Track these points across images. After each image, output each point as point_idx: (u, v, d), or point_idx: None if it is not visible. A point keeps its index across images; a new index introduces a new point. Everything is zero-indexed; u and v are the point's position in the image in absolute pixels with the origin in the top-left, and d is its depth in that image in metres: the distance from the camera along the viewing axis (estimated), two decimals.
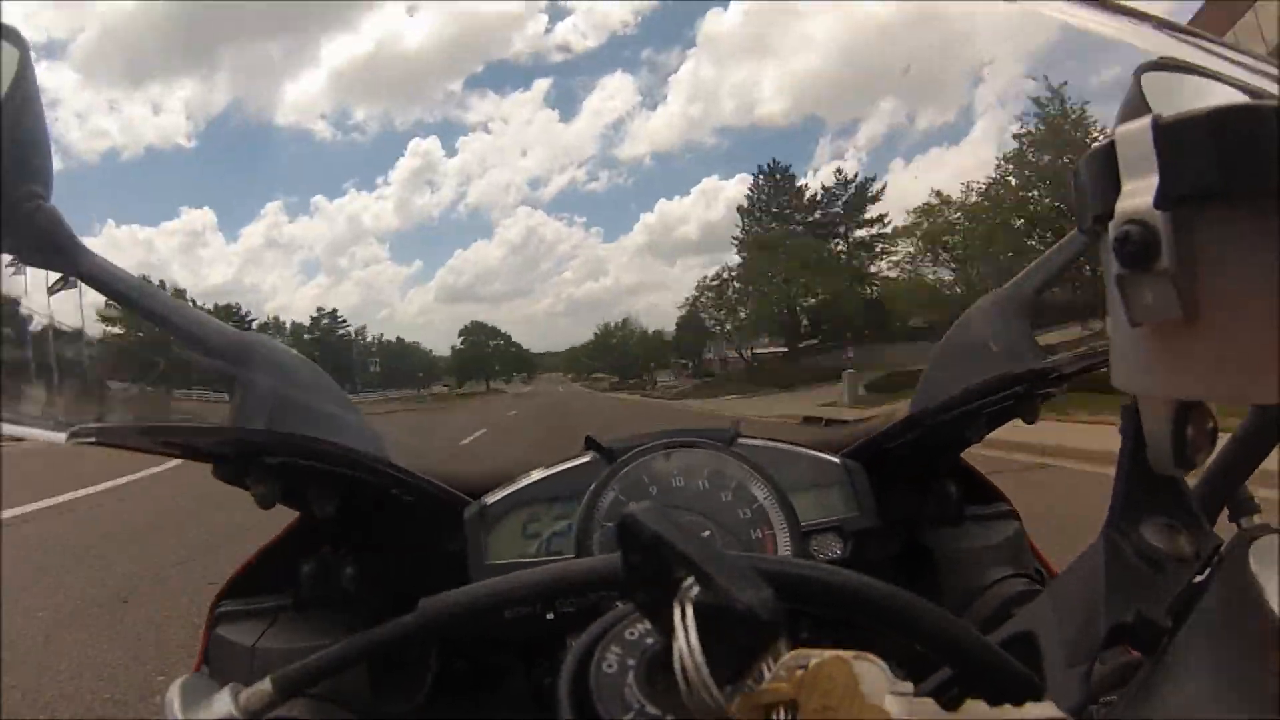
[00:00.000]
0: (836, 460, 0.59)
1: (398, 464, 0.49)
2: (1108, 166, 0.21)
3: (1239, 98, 0.33)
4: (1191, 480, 0.33)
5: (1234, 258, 0.19)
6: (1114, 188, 0.21)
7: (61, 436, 0.36)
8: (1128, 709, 0.26)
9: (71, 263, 0.39)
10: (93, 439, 0.38)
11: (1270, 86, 0.33)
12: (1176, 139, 0.19)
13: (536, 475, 0.56)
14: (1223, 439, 0.37)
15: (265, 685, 0.31)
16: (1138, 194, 0.20)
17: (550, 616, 0.39)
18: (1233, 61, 0.34)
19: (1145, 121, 0.19)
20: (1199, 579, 0.29)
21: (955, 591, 0.55)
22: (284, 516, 0.52)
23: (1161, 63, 0.37)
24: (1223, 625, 0.26)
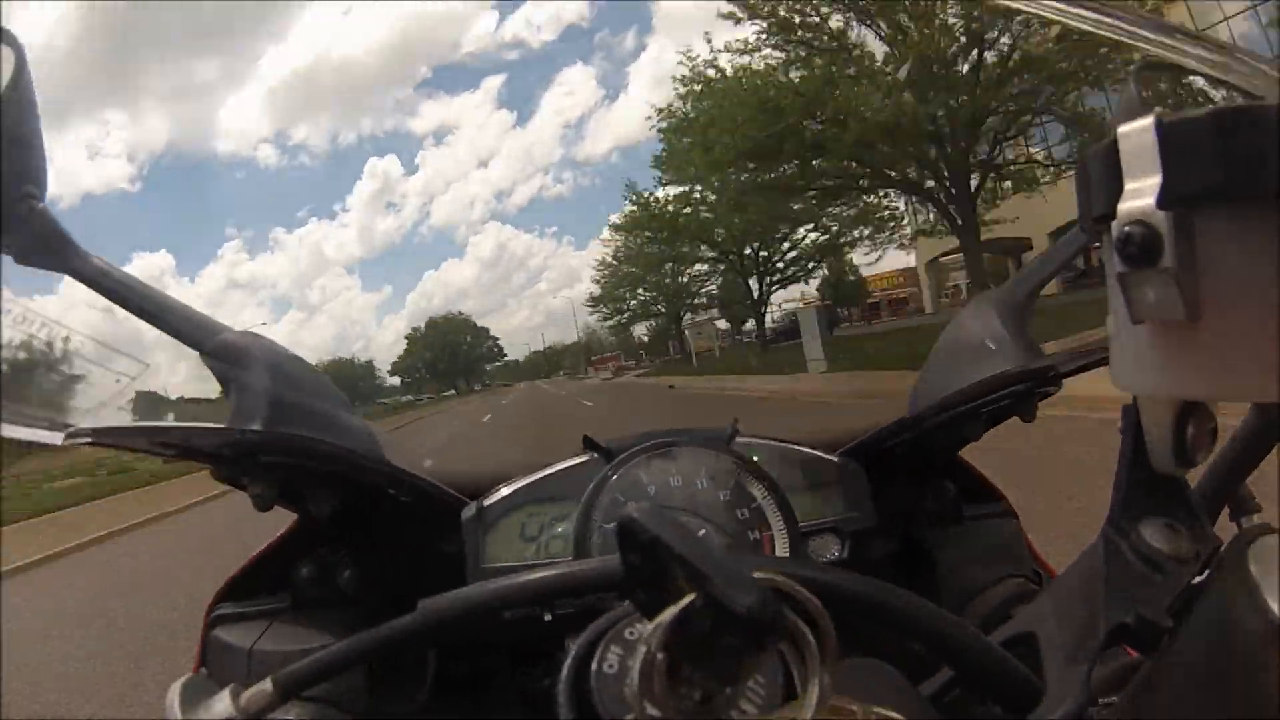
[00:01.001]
0: (834, 460, 0.59)
1: (395, 464, 0.49)
2: (1110, 166, 0.21)
3: (1239, 98, 0.33)
4: (1192, 480, 0.33)
5: (1236, 258, 0.19)
6: (1116, 187, 0.21)
7: (58, 437, 0.36)
8: (1128, 709, 0.26)
9: (66, 262, 0.39)
10: (89, 439, 0.38)
11: (1270, 87, 0.33)
12: (1180, 139, 0.19)
13: (534, 476, 0.56)
14: (1223, 439, 0.37)
15: (265, 686, 0.31)
16: (1140, 194, 0.20)
17: (549, 618, 0.39)
18: (1234, 61, 0.34)
19: (1148, 121, 0.19)
20: (1199, 579, 0.29)
21: (953, 591, 0.55)
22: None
23: (1161, 62, 0.37)
24: (1223, 625, 0.26)
